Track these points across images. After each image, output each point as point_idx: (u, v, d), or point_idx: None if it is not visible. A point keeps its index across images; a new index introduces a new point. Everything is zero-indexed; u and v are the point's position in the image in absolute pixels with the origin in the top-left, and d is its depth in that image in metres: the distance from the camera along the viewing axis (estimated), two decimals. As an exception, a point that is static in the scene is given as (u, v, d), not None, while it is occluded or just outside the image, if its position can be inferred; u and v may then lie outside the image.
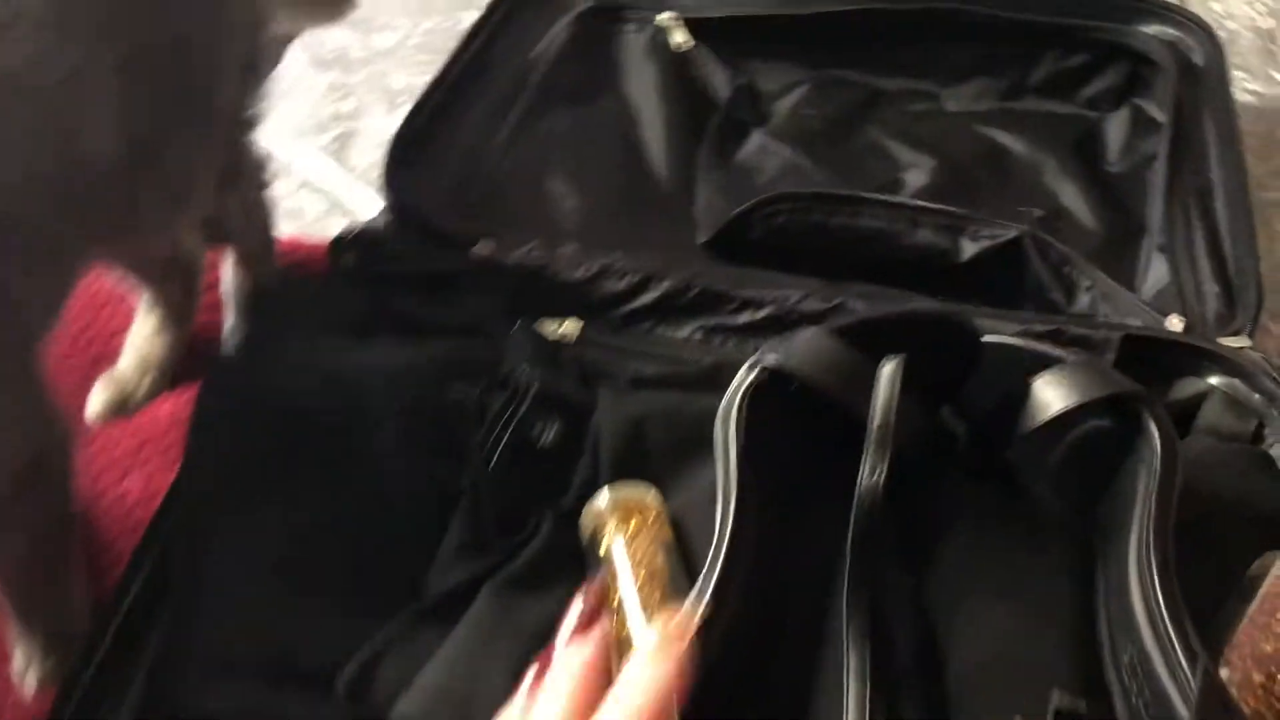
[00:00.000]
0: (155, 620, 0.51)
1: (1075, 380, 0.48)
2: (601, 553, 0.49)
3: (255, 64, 0.63)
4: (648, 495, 0.50)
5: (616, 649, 0.46)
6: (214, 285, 0.70)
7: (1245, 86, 0.89)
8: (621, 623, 0.46)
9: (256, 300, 0.59)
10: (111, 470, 0.65)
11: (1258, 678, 0.43)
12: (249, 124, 0.64)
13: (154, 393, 0.66)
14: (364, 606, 0.47)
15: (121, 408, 0.66)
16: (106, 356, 0.69)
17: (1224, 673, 0.43)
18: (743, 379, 0.48)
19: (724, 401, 0.48)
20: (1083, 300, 0.67)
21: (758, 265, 0.70)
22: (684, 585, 0.48)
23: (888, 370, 0.46)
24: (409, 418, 0.50)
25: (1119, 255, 0.74)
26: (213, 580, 0.50)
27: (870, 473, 0.45)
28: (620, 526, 0.49)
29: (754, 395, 0.47)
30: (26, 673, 0.54)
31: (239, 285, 0.69)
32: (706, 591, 0.42)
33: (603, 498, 0.50)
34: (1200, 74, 0.79)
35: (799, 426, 0.49)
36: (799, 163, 0.80)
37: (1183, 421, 0.58)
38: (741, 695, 0.44)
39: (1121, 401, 0.48)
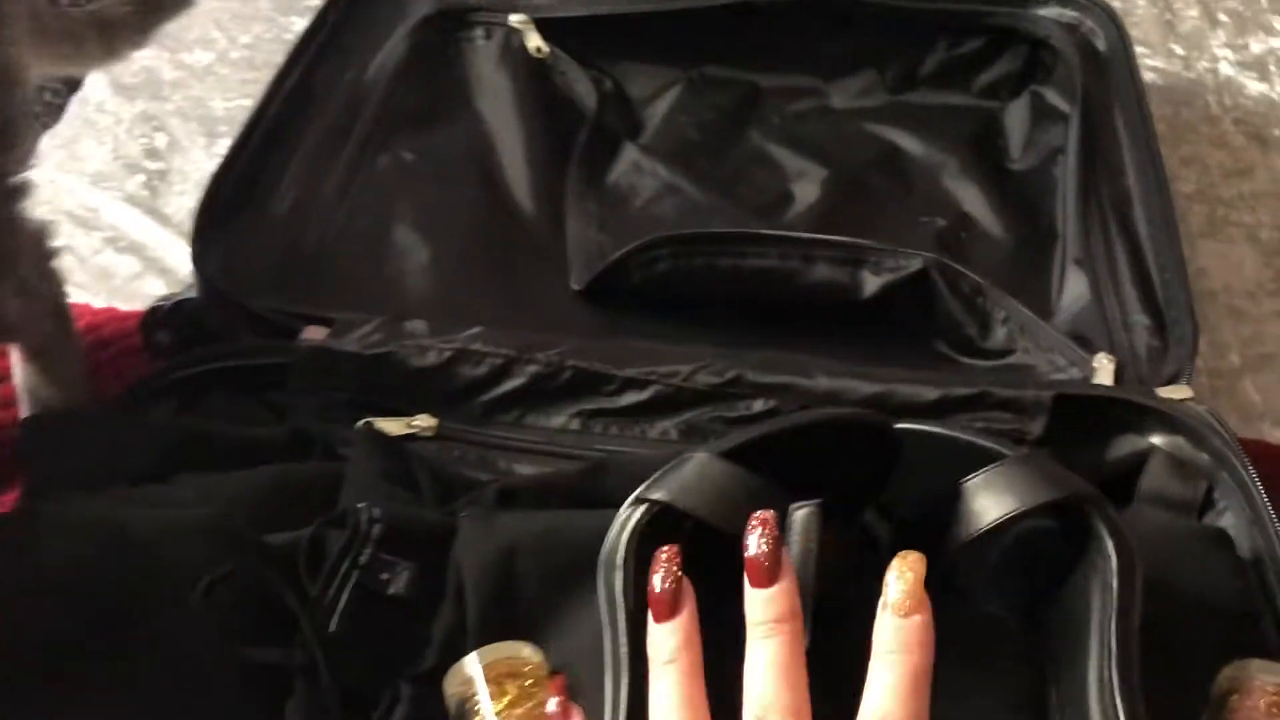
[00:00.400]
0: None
1: (1014, 484, 0.41)
2: (472, 730, 0.41)
3: (12, 122, 0.52)
4: (524, 652, 0.42)
5: None
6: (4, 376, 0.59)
7: (1146, 64, 0.83)
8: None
9: (33, 439, 0.48)
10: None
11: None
12: (15, 193, 0.53)
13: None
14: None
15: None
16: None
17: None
18: (626, 518, 0.39)
19: (606, 545, 0.39)
20: (999, 334, 0.61)
21: (641, 315, 0.63)
22: (574, 766, 0.40)
23: (800, 518, 0.38)
24: (220, 583, 0.41)
25: (1031, 266, 0.68)
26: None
27: None
28: (494, 697, 0.41)
29: (642, 536, 0.39)
30: None
31: (30, 384, 0.58)
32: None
33: (471, 663, 0.41)
34: (1105, 62, 0.73)
35: (699, 563, 0.41)
36: (676, 182, 0.72)
37: (1124, 483, 0.52)
38: None
39: (1072, 505, 0.41)
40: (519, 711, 0.41)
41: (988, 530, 0.42)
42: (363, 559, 0.43)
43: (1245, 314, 0.68)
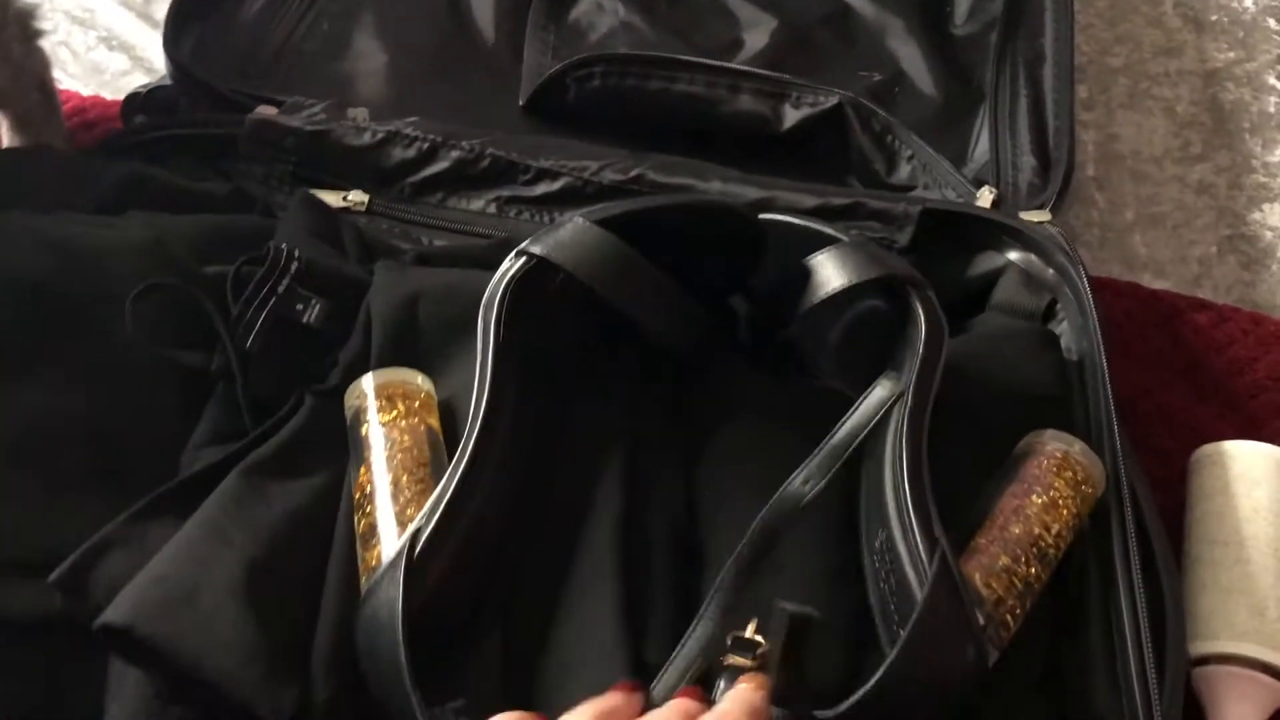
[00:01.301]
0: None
1: (848, 261, 0.47)
2: (362, 434, 0.47)
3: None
4: (416, 379, 0.49)
5: (362, 538, 0.45)
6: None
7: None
8: (370, 511, 0.44)
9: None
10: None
11: (1004, 560, 0.43)
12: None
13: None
14: (107, 499, 0.45)
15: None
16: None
17: (976, 559, 0.43)
18: (507, 267, 0.45)
19: (488, 289, 0.46)
20: (903, 170, 0.66)
21: (576, 131, 0.68)
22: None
23: (878, 393, 0.46)
24: (157, 295, 0.47)
25: (955, 123, 0.72)
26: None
27: (803, 482, 0.44)
28: (383, 410, 0.47)
29: (520, 283, 0.45)
30: None
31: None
32: (449, 488, 0.41)
33: (367, 379, 0.48)
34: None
35: (567, 314, 0.47)
36: (633, 22, 0.76)
37: (984, 295, 0.57)
38: (486, 598, 0.43)
39: (895, 284, 0.47)
40: (403, 424, 0.47)
41: (823, 302, 0.47)
42: (281, 288, 0.49)
43: (1148, 177, 0.72)
